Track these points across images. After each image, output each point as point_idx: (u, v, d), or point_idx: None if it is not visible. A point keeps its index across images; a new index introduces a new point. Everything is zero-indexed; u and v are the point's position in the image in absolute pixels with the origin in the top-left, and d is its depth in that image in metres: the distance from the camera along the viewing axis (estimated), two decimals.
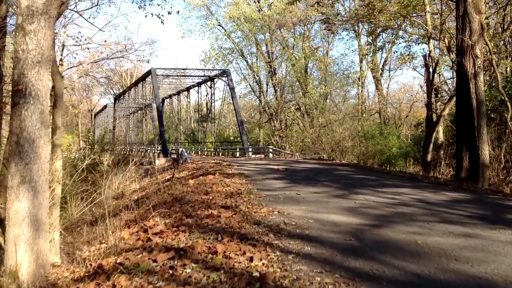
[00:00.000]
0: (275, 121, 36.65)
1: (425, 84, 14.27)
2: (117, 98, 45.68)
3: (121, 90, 46.77)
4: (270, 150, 25.98)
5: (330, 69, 34.78)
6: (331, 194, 6.62)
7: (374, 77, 33.81)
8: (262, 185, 8.32)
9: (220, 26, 38.29)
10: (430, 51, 14.20)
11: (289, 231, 4.13)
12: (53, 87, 9.60)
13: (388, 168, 14.09)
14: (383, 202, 5.71)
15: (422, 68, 22.75)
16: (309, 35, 35.90)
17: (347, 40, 42.13)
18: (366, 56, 33.61)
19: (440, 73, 30.61)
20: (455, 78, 16.94)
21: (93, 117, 63.82)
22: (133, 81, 40.57)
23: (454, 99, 13.49)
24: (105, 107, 56.41)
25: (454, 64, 13.75)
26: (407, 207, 5.29)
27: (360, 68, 34.28)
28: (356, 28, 33.41)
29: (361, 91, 35.77)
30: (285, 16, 32.43)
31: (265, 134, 39.02)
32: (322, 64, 31.45)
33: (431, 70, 14.59)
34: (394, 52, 27.79)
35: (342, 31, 28.89)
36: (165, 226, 5.05)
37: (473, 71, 10.76)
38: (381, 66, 34.63)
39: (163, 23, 11.87)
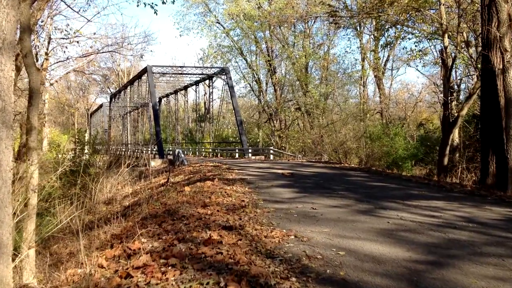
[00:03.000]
0: (274, 121, 35.56)
1: (442, 81, 13.20)
2: (112, 97, 44.47)
3: (117, 89, 45.57)
4: (271, 151, 24.80)
5: (332, 67, 33.76)
6: (354, 209, 5.51)
7: (375, 76, 32.79)
8: (269, 194, 7.22)
9: (219, 23, 37.22)
10: (446, 47, 13.11)
11: (317, 272, 3.02)
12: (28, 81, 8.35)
13: (405, 174, 13.01)
14: (424, 222, 4.60)
15: (433, 65, 21.67)
16: (309, 33, 34.83)
17: (350, 37, 40.76)
18: (368, 55, 32.59)
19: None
20: (468, 77, 15.89)
21: (89, 116, 62.62)
22: (129, 79, 39.40)
23: (473, 97, 12.41)
24: (100, 106, 55.18)
25: (473, 60, 12.68)
26: (458, 231, 4.19)
27: (362, 67, 33.24)
28: (358, 26, 32.43)
29: (363, 90, 34.75)
30: (286, 12, 31.27)
31: (264, 134, 37.90)
32: (325, 62, 30.34)
33: (442, 67, 13.54)
34: (403, 48, 26.67)
35: (347, 28, 27.74)
36: (150, 257, 3.92)
37: (501, 66, 9.69)
38: (383, 65, 33.66)
39: (156, 13, 10.78)
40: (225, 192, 7.56)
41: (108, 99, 49.15)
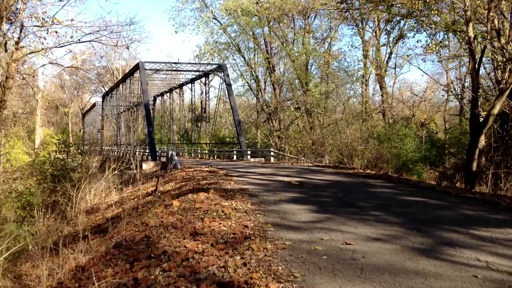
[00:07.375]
0: (273, 121, 33.91)
1: (470, 75, 11.63)
2: (105, 96, 42.75)
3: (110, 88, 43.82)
4: (272, 153, 23.09)
5: (334, 65, 32.19)
6: (407, 246, 3.86)
7: (378, 74, 31.22)
8: (278, 215, 5.57)
9: (216, 19, 35.58)
10: (474, 37, 11.51)
11: None
12: None
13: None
14: None
15: (445, 60, 20.08)
16: (310, 29, 33.25)
17: (353, 34, 39.15)
18: (370, 53, 31.07)
19: (447, 70, 28.15)
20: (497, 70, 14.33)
21: (82, 116, 60.93)
22: (121, 77, 37.66)
23: (506, 93, 10.82)
24: (94, 105, 53.44)
25: (506, 51, 11.09)
26: None
27: (364, 64, 31.65)
28: (360, 22, 30.81)
29: (365, 89, 33.19)
30: (285, 8, 29.65)
31: (263, 134, 36.22)
32: (329, 56, 28.72)
33: (470, 60, 11.94)
34: (417, 42, 25.02)
35: (353, 21, 26.16)
36: None
37: None
38: (385, 63, 32.11)
39: None
40: (222, 211, 5.91)
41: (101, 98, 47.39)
